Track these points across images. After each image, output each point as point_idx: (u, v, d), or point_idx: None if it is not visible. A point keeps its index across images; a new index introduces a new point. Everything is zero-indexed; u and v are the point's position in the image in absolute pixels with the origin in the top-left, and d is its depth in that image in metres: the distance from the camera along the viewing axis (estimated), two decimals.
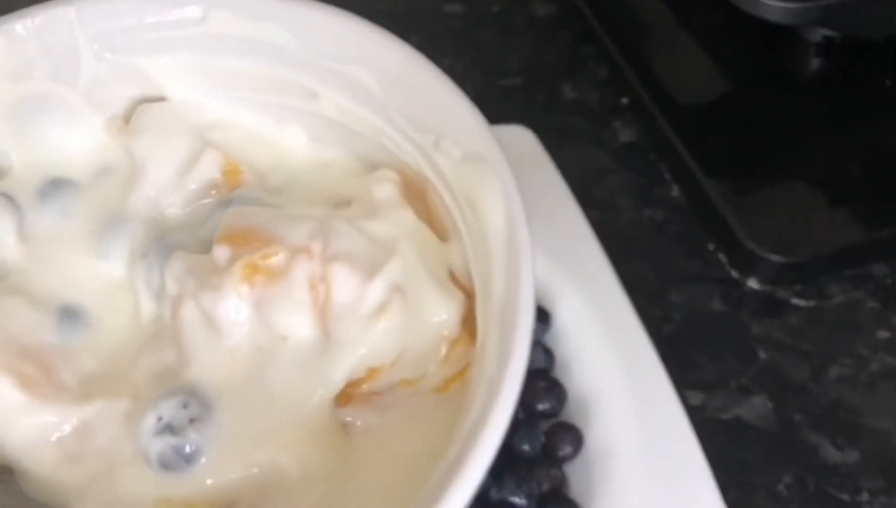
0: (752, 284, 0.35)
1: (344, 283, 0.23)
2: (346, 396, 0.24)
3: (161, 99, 0.29)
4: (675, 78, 0.41)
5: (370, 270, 0.24)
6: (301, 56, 0.27)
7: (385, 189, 0.26)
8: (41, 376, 0.24)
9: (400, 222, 0.25)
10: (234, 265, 0.24)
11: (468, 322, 0.25)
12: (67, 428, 0.24)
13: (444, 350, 0.24)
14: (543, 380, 0.29)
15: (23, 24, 0.26)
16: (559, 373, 0.30)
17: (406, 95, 0.26)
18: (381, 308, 0.23)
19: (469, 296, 0.25)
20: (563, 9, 0.46)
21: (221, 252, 0.24)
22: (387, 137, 0.27)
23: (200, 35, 0.27)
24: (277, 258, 0.24)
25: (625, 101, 0.42)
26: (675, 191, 0.38)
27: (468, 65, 0.43)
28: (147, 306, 0.26)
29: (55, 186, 0.28)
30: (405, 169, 0.27)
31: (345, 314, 0.23)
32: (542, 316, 0.31)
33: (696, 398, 0.33)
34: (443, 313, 0.24)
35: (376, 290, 0.23)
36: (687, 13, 0.43)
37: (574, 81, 0.43)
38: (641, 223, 0.37)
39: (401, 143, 0.26)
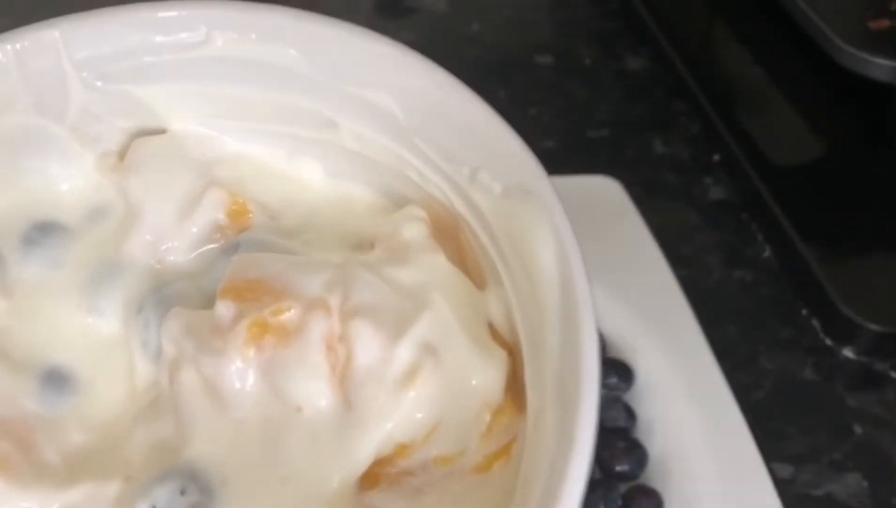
0: (848, 353, 0.34)
1: (367, 343, 0.20)
2: (372, 477, 0.20)
3: (160, 131, 0.26)
4: (770, 136, 0.40)
5: (398, 327, 0.20)
6: (315, 80, 0.24)
7: (413, 229, 0.23)
8: (19, 454, 0.21)
9: (430, 267, 0.22)
10: (240, 324, 0.20)
11: (512, 385, 0.21)
12: None
13: (486, 421, 0.20)
14: (623, 440, 0.28)
15: (2, 50, 0.23)
16: (640, 433, 0.29)
17: (435, 123, 0.22)
18: (410, 373, 0.20)
19: (513, 354, 0.21)
20: (655, 63, 0.45)
21: (225, 308, 0.21)
22: (413, 170, 0.24)
23: (202, 59, 0.24)
24: (290, 314, 0.20)
25: (717, 158, 0.41)
26: (767, 252, 0.37)
27: (556, 115, 0.43)
28: (143, 370, 0.23)
29: (42, 231, 0.25)
30: (435, 205, 0.24)
31: (368, 381, 0.20)
32: (625, 372, 0.30)
33: (785, 470, 0.31)
34: (483, 376, 0.20)
35: (405, 351, 0.20)
36: (783, 70, 0.42)
37: (665, 135, 0.42)
38: (731, 284, 0.36)
39: (430, 176, 0.23)
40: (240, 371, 0.20)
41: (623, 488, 0.28)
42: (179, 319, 0.21)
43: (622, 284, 0.30)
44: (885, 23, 0.34)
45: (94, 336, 0.23)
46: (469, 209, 0.22)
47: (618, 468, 0.28)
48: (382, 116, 0.23)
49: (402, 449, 0.20)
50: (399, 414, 0.20)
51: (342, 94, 0.24)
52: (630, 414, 0.29)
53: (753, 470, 0.27)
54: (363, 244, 0.24)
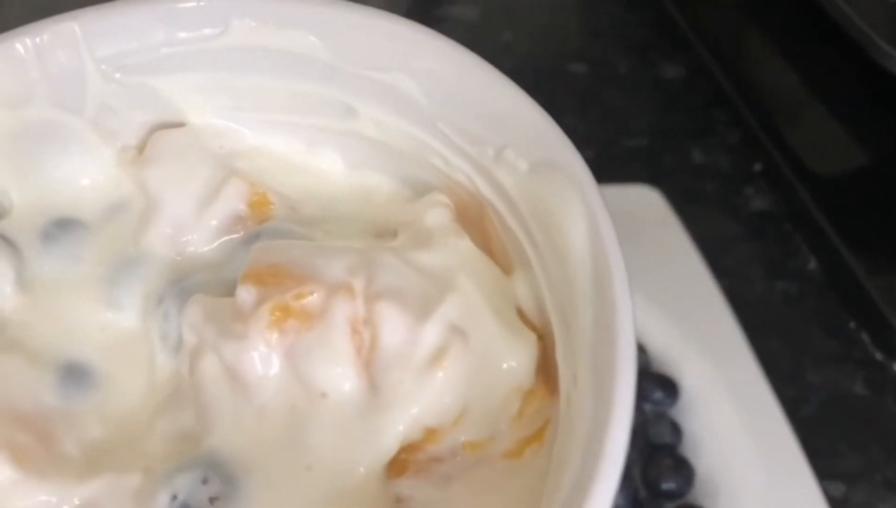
0: None
1: (393, 325, 0.19)
2: (400, 464, 0.19)
3: (179, 125, 0.25)
4: (813, 145, 0.39)
5: (423, 309, 0.20)
6: (335, 66, 0.23)
7: (436, 214, 0.23)
8: (39, 447, 0.21)
9: (456, 251, 0.21)
10: (262, 308, 0.20)
11: (543, 370, 0.20)
12: None
13: (516, 405, 0.20)
14: (670, 457, 0.27)
15: (21, 43, 0.23)
16: (687, 450, 0.28)
17: (458, 104, 0.22)
18: (438, 355, 0.19)
19: (542, 338, 0.21)
20: (692, 71, 0.44)
21: (247, 293, 0.20)
22: (436, 155, 0.23)
23: (221, 49, 0.24)
24: (313, 298, 0.20)
25: (758, 167, 0.40)
26: (812, 264, 0.37)
27: (592, 124, 0.43)
28: (163, 362, 0.22)
29: (61, 227, 0.24)
30: (459, 191, 0.23)
31: (395, 364, 0.19)
32: (669, 387, 0.29)
33: (837, 489, 0.30)
34: (513, 358, 0.20)
35: (432, 332, 0.19)
36: (823, 76, 0.42)
37: (704, 144, 0.41)
38: (774, 296, 0.36)
39: (453, 160, 0.23)
40: (262, 356, 0.20)
41: (670, 506, 0.27)
42: (200, 305, 0.21)
43: (665, 295, 0.29)
44: None
45: (114, 330, 0.23)
46: (495, 192, 0.22)
47: (664, 486, 0.27)
48: (403, 100, 0.23)
49: (430, 434, 0.19)
50: (426, 398, 0.19)
51: (362, 79, 0.23)
52: (676, 430, 0.28)
53: (804, 488, 0.26)
54: (386, 233, 0.23)
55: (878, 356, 0.34)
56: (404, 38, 0.22)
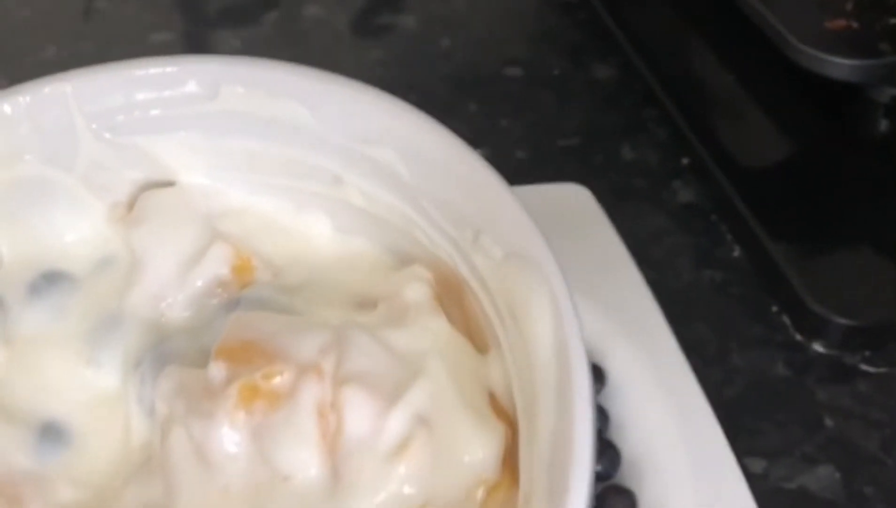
0: (818, 348, 0.34)
1: (358, 411, 0.19)
2: None
3: (169, 183, 0.25)
4: (737, 139, 0.40)
5: (391, 395, 0.20)
6: (322, 136, 0.23)
7: (416, 290, 0.22)
8: None
9: (431, 332, 0.21)
10: (231, 387, 0.20)
11: (511, 459, 0.20)
12: None
13: (480, 497, 0.19)
14: (597, 441, 0.26)
15: (12, 104, 0.23)
16: (613, 434, 0.29)
17: (440, 183, 0.22)
18: (402, 445, 0.19)
19: (513, 426, 0.20)
20: (623, 72, 0.45)
21: (217, 370, 0.20)
22: (419, 230, 0.23)
23: (211, 112, 0.24)
24: (282, 379, 0.20)
25: (685, 161, 0.41)
26: (737, 252, 0.38)
27: (526, 126, 0.43)
28: (138, 427, 0.22)
29: (49, 281, 0.25)
30: (440, 266, 0.23)
31: (358, 451, 0.19)
32: (597, 374, 0.30)
33: (758, 465, 0.31)
34: (479, 450, 0.20)
35: (397, 422, 0.19)
36: (749, 74, 0.43)
37: (633, 141, 0.42)
38: (701, 285, 0.37)
39: (434, 236, 0.23)
40: (228, 435, 0.20)
41: (598, 488, 0.27)
42: (172, 378, 0.21)
43: (592, 288, 0.30)
44: (841, 22, 0.35)
45: (92, 390, 0.23)
46: (471, 272, 0.22)
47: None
48: (387, 173, 0.23)
49: None
50: (388, 488, 0.19)
51: (348, 150, 0.23)
52: (603, 415, 0.29)
53: (725, 466, 0.27)
54: (366, 303, 0.23)
55: (799, 337, 0.35)
56: (389, 112, 0.22)
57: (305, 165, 0.24)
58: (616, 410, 0.29)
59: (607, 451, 0.28)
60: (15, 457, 0.22)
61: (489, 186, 0.20)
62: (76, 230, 0.25)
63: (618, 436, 0.29)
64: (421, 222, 0.23)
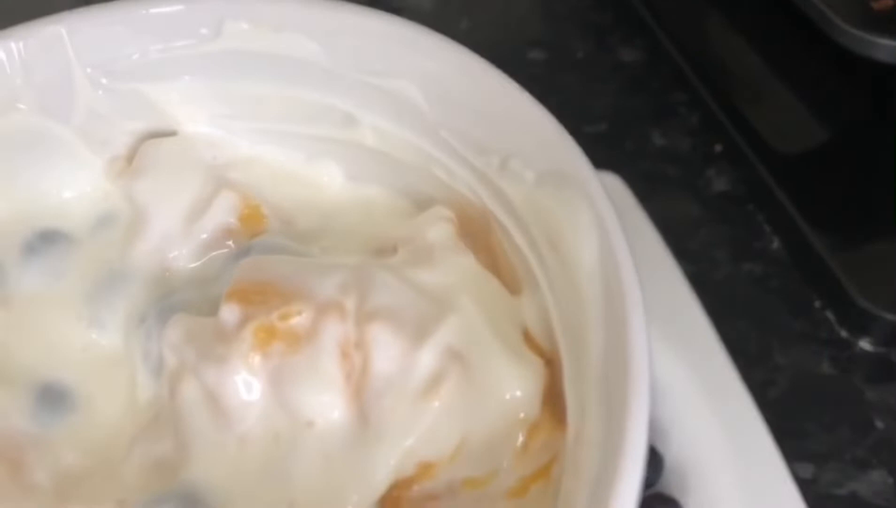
0: (865, 345, 0.32)
1: (386, 349, 0.18)
2: (392, 501, 0.18)
3: (170, 133, 0.24)
4: (773, 124, 0.38)
5: (420, 331, 0.18)
6: (334, 72, 0.22)
7: (438, 230, 0.21)
8: (7, 475, 0.19)
9: (458, 269, 0.20)
10: (245, 329, 0.18)
11: (551, 400, 0.19)
12: None
13: (520, 439, 0.18)
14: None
15: (4, 47, 0.22)
16: (655, 439, 0.27)
17: (462, 111, 0.20)
18: (434, 382, 0.18)
19: (551, 364, 0.19)
20: (650, 55, 0.43)
21: (230, 313, 0.19)
22: (439, 166, 0.22)
23: (214, 54, 0.23)
24: (300, 319, 0.18)
25: (718, 148, 0.39)
26: (776, 244, 0.36)
27: (552, 111, 0.41)
28: (144, 384, 0.21)
29: (45, 240, 0.23)
30: (463, 204, 0.22)
31: (387, 391, 0.18)
32: None
33: (807, 470, 0.29)
34: (517, 387, 0.18)
35: (428, 358, 0.18)
36: (783, 55, 0.41)
37: (664, 127, 0.40)
38: (740, 279, 0.35)
39: (456, 171, 0.21)
40: (244, 381, 0.18)
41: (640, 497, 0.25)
42: (181, 325, 0.20)
43: None
44: (888, 2, 0.33)
45: (95, 350, 0.22)
46: (500, 205, 0.20)
47: None
48: (406, 107, 0.21)
49: (425, 469, 0.18)
50: (420, 429, 0.17)
51: (362, 85, 0.22)
52: None
53: (774, 472, 0.25)
54: (385, 249, 0.22)
55: (844, 334, 0.33)
56: (406, 40, 0.21)
57: (315, 107, 0.23)
58: (657, 415, 0.28)
59: (650, 457, 0.26)
60: (16, 421, 0.20)
61: (517, 104, 0.19)
62: (74, 187, 0.24)
63: (660, 442, 0.27)
64: (440, 156, 0.21)
